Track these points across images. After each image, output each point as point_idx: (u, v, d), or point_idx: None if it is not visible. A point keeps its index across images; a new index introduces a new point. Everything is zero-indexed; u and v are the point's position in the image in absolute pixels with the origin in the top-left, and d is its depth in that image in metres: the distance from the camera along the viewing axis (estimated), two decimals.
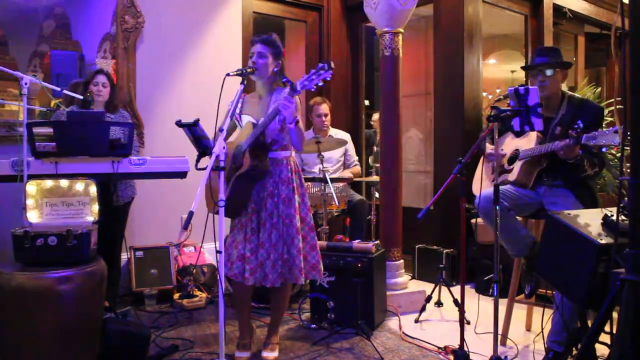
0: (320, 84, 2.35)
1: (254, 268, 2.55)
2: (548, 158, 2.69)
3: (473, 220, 3.96)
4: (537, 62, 2.78)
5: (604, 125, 2.69)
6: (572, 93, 2.87)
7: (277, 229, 2.58)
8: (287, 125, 2.47)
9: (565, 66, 2.82)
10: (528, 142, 2.76)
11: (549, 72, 2.74)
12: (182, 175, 2.97)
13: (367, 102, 5.64)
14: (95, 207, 2.54)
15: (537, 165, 2.75)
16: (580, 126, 2.39)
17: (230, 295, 2.92)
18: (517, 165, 2.79)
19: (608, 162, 4.20)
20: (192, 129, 2.45)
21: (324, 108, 4.17)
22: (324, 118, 4.17)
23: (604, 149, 2.42)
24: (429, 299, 3.44)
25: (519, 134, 2.84)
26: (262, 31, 2.74)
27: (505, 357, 2.61)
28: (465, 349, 2.48)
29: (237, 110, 2.67)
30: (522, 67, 3.05)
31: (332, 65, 2.31)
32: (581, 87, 5.10)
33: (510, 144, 2.90)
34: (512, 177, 2.80)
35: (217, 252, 2.21)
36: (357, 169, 4.38)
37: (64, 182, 2.52)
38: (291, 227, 2.59)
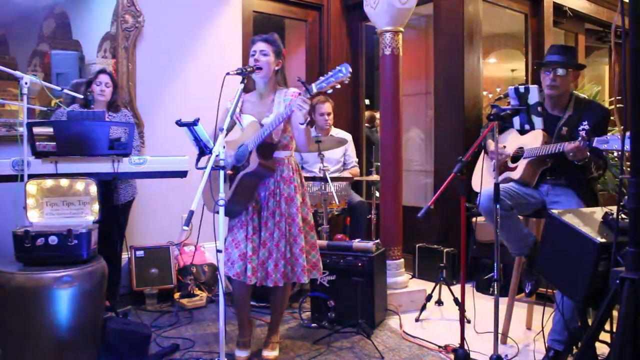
0: (337, 86, 2.28)
1: (256, 267, 2.55)
2: (554, 158, 2.68)
3: (473, 219, 3.96)
4: (551, 60, 2.75)
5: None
6: (578, 93, 2.86)
7: (280, 228, 2.58)
8: (299, 125, 2.46)
9: (579, 67, 2.81)
10: (533, 141, 2.75)
11: (561, 72, 2.70)
12: (183, 174, 2.98)
13: (367, 102, 5.64)
14: (96, 207, 2.55)
15: (542, 165, 2.74)
16: (586, 127, 2.38)
17: (230, 294, 2.93)
18: (522, 164, 2.78)
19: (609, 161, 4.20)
20: (192, 129, 2.45)
21: (327, 107, 4.17)
22: (327, 117, 4.16)
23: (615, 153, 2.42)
24: (429, 297, 3.44)
25: (523, 132, 2.82)
26: (262, 30, 2.74)
27: (506, 355, 2.61)
28: (466, 347, 2.48)
29: (238, 110, 2.67)
30: (536, 62, 3.02)
31: (350, 68, 2.25)
32: (581, 86, 5.10)
33: (514, 141, 2.89)
34: (515, 175, 2.79)
35: (218, 251, 2.21)
36: (356, 170, 4.37)
37: (64, 182, 2.53)
38: (294, 226, 2.59)
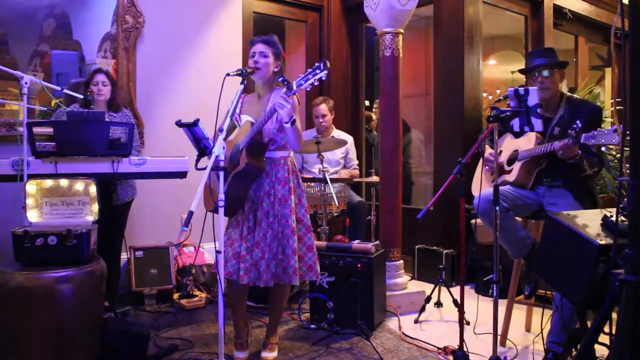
0: (316, 83, 2.34)
1: (249, 267, 2.55)
2: (547, 158, 2.69)
3: (473, 221, 3.96)
4: (534, 64, 2.78)
5: (602, 125, 2.69)
6: (570, 94, 2.87)
7: (273, 228, 2.58)
8: (283, 124, 2.47)
9: (562, 65, 2.82)
10: (527, 143, 2.77)
11: (546, 73, 2.74)
12: (182, 175, 2.98)
13: (367, 103, 5.64)
14: (95, 207, 2.54)
15: (536, 166, 2.75)
16: (578, 126, 2.39)
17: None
18: (517, 166, 2.79)
19: (607, 162, 4.20)
20: (192, 129, 2.46)
21: (323, 109, 4.16)
22: (321, 119, 4.16)
23: (603, 149, 2.42)
24: (428, 299, 3.44)
25: (518, 135, 2.84)
26: (262, 31, 2.75)
27: (505, 357, 2.61)
28: (465, 349, 2.48)
29: (237, 111, 2.68)
30: (519, 71, 3.05)
31: (328, 64, 2.30)
32: (581, 88, 5.11)
33: (509, 144, 2.91)
34: (511, 177, 2.80)
35: (217, 252, 2.21)
36: (356, 171, 4.37)
37: (63, 182, 2.53)
38: (287, 227, 2.58)
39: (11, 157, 2.70)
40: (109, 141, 2.78)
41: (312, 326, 3.15)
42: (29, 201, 2.48)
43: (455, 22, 4.35)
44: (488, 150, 2.93)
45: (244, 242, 2.58)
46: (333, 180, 3.66)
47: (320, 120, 4.16)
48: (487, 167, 2.94)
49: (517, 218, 2.77)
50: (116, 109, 3.35)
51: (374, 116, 5.58)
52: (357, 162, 4.41)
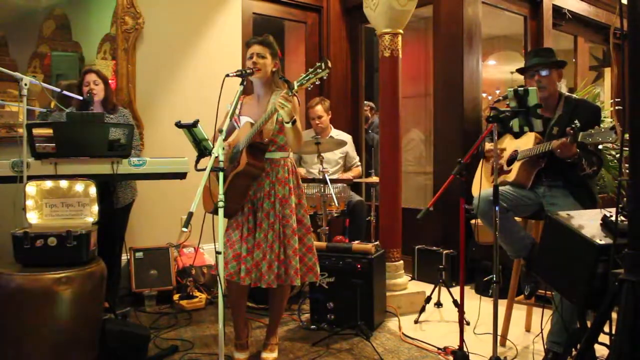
0: (317, 82, 2.34)
1: (250, 268, 2.55)
2: (547, 158, 2.69)
3: (473, 221, 3.96)
4: (532, 63, 2.79)
5: (601, 125, 2.69)
6: (569, 94, 2.87)
7: (274, 229, 2.57)
8: (284, 124, 2.47)
9: (560, 65, 2.82)
10: (526, 143, 2.77)
11: (544, 72, 2.74)
12: (182, 176, 2.98)
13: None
14: (95, 208, 2.55)
15: (535, 166, 2.75)
16: (577, 125, 2.39)
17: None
18: (516, 166, 2.79)
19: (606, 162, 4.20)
20: (192, 130, 2.46)
21: (319, 110, 4.17)
22: (317, 120, 4.17)
23: (599, 147, 2.42)
24: (428, 299, 3.44)
25: (517, 135, 2.84)
26: (261, 32, 2.76)
27: (505, 357, 2.61)
28: (465, 349, 2.48)
29: (237, 112, 2.68)
30: (517, 70, 3.05)
31: (329, 64, 2.30)
32: (581, 88, 5.11)
33: (509, 144, 2.91)
34: (510, 177, 2.80)
35: (217, 253, 2.21)
36: (358, 170, 4.38)
37: (63, 183, 2.53)
38: (287, 227, 2.58)
39: (11, 158, 2.70)
40: (109, 142, 2.78)
41: (312, 327, 3.15)
42: (29, 202, 2.48)
43: (454, 22, 4.35)
44: (488, 146, 2.92)
45: (244, 243, 2.58)
46: (333, 181, 3.66)
47: (317, 121, 4.16)
48: (489, 165, 2.93)
49: (516, 218, 2.77)
50: (113, 109, 3.29)
51: (370, 117, 5.59)
52: (357, 159, 4.42)
